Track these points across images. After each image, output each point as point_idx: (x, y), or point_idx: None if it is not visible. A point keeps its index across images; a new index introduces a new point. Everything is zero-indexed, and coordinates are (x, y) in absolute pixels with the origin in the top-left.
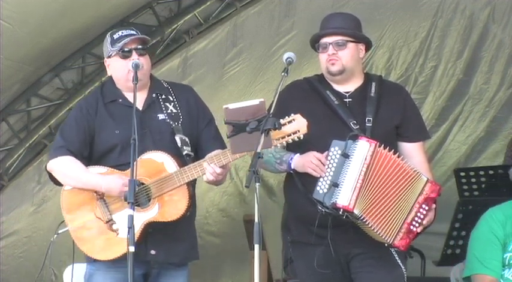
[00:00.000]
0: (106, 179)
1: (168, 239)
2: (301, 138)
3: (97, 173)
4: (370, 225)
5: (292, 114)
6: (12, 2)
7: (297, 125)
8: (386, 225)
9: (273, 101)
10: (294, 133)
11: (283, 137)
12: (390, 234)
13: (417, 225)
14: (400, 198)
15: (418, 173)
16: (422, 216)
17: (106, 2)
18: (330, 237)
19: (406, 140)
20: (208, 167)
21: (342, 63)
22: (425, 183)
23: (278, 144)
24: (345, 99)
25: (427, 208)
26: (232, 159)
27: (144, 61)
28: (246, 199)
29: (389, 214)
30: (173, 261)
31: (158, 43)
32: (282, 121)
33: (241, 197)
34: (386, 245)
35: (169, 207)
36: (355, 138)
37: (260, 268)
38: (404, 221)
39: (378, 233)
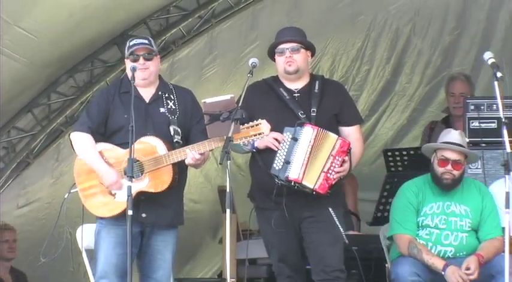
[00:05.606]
0: (106, 170)
1: (156, 205)
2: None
3: (102, 148)
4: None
5: (259, 119)
6: (37, 19)
7: (261, 128)
8: (310, 176)
9: (240, 96)
10: (259, 134)
11: (250, 136)
12: (312, 182)
13: (334, 173)
14: (319, 154)
15: (325, 131)
16: (337, 166)
17: (109, 19)
18: (285, 203)
19: (344, 124)
20: (190, 153)
21: (297, 64)
22: (336, 140)
23: (246, 141)
24: (294, 95)
25: (340, 159)
26: (208, 149)
27: (151, 64)
28: (220, 173)
29: (312, 168)
30: (160, 224)
31: None
32: (250, 123)
33: (216, 172)
34: (313, 193)
35: (156, 181)
36: (302, 125)
37: (230, 227)
38: (322, 170)
39: (306, 184)
